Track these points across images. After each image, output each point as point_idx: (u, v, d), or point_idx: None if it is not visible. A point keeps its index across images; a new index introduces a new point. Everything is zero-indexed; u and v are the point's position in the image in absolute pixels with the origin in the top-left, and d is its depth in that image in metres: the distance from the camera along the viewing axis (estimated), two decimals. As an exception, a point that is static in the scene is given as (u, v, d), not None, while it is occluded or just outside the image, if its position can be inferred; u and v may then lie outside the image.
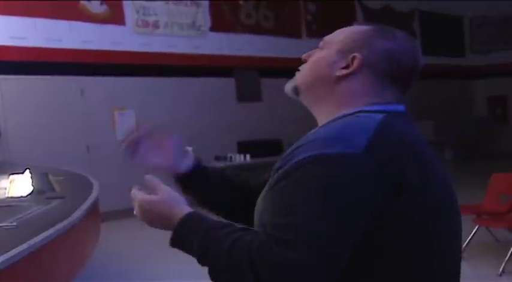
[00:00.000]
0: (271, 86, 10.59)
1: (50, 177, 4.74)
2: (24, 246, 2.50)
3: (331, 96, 1.30)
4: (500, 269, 5.00)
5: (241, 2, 11.36)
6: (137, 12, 9.90)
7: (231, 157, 10.17)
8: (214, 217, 1.30)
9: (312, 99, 1.35)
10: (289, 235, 1.07)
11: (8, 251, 2.39)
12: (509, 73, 15.39)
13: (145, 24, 10.01)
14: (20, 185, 4.31)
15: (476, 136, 15.25)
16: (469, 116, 16.22)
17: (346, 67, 1.29)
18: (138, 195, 1.33)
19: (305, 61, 1.39)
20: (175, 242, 1.23)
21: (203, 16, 10.74)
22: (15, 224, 2.98)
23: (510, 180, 5.80)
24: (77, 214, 3.34)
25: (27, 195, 4.09)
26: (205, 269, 1.18)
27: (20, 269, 2.46)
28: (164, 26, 10.22)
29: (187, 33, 10.53)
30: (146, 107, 9.80)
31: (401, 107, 1.30)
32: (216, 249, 1.14)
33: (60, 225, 2.98)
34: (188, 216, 1.24)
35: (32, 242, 2.58)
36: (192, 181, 1.62)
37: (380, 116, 1.21)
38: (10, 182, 4.42)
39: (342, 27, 1.39)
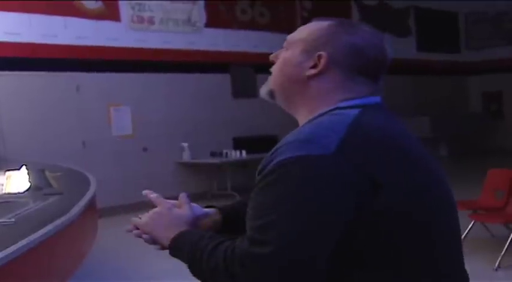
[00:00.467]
0: (267, 82, 10.56)
1: (47, 173, 4.72)
2: (23, 242, 2.49)
3: (305, 97, 1.29)
4: (496, 264, 5.03)
5: (237, -2, 11.34)
6: (132, 8, 9.87)
7: (226, 153, 10.17)
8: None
9: (287, 102, 1.35)
10: (263, 235, 1.09)
11: (7, 247, 2.38)
12: (504, 69, 15.43)
13: (141, 20, 9.98)
14: (17, 181, 4.30)
15: (472, 132, 15.28)
16: (464, 112, 16.26)
17: (314, 66, 1.28)
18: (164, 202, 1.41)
19: (273, 62, 1.37)
20: (172, 252, 1.30)
21: (198, 12, 10.72)
22: (13, 220, 2.97)
23: (506, 175, 5.81)
24: (75, 210, 3.34)
25: (24, 192, 4.08)
26: None
27: (18, 266, 2.46)
28: (159, 22, 10.20)
29: (183, 29, 10.50)
30: (142, 103, 9.79)
31: (376, 99, 1.29)
32: (200, 256, 1.18)
33: (58, 222, 2.97)
34: (184, 231, 1.31)
35: (31, 238, 2.57)
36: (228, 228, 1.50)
37: (355, 111, 1.20)
38: (7, 178, 4.40)
39: None
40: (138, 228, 1.40)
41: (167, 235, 1.31)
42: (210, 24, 10.84)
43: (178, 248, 1.27)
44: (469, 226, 5.49)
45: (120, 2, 9.70)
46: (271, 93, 1.36)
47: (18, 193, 4.06)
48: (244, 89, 11.00)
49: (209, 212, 1.49)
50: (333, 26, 1.31)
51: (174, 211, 1.39)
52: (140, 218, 1.42)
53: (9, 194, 4.08)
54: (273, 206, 1.11)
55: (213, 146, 10.38)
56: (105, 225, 5.70)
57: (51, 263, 3.03)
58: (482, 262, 5.13)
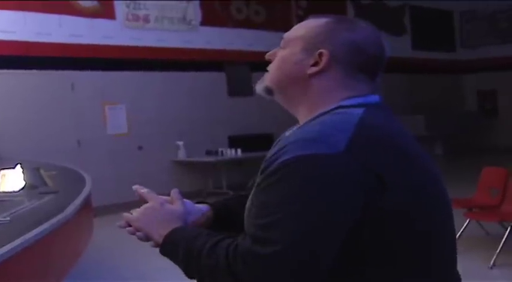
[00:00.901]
0: (263, 80, 10.56)
1: (42, 172, 4.72)
2: (18, 241, 2.48)
3: (306, 95, 1.29)
4: (491, 262, 5.04)
5: (232, -4, 11.33)
6: (127, 6, 9.85)
7: (222, 151, 10.16)
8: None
9: (287, 100, 1.34)
10: (267, 234, 1.08)
11: (2, 246, 2.37)
12: (499, 67, 15.46)
13: (136, 18, 9.96)
14: (12, 180, 4.28)
15: (467, 130, 15.32)
16: (459, 110, 16.29)
17: (315, 64, 1.27)
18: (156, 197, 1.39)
19: (269, 60, 1.36)
20: (164, 250, 1.27)
21: (194, 10, 10.70)
22: (8, 219, 2.96)
23: (500, 174, 5.83)
24: (71, 209, 3.33)
25: (19, 190, 4.06)
26: None
27: (14, 265, 2.45)
28: (155, 20, 10.18)
29: (178, 28, 10.49)
30: (137, 101, 9.78)
31: (376, 98, 1.29)
32: (198, 253, 1.16)
33: (53, 220, 2.96)
34: (178, 227, 1.29)
35: (26, 237, 2.56)
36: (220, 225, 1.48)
37: (359, 111, 1.20)
38: (1, 177, 4.38)
39: None
40: (130, 225, 1.37)
41: (159, 231, 1.29)
42: (205, 22, 10.83)
43: (172, 244, 1.25)
44: (464, 224, 5.50)
45: (115, 0, 9.67)
46: (269, 90, 1.35)
47: (13, 192, 4.04)
48: (240, 87, 10.99)
49: (201, 208, 1.46)
50: (332, 23, 1.30)
51: (167, 206, 1.36)
52: (132, 214, 1.39)
53: (4, 192, 4.07)
54: (278, 205, 1.10)
55: (208, 144, 10.38)
56: (100, 224, 5.69)
57: (47, 262, 3.03)
58: (477, 260, 5.14)
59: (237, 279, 1.10)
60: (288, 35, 1.36)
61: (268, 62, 1.37)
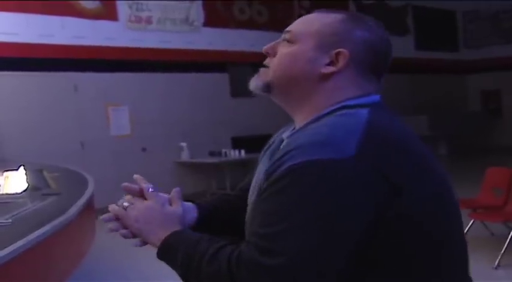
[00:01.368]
0: (265, 81, 10.55)
1: (45, 173, 4.71)
2: (20, 243, 2.47)
3: (313, 95, 1.22)
4: (496, 263, 5.02)
5: (234, -3, 11.33)
6: (130, 7, 9.85)
7: (225, 153, 10.15)
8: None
9: (289, 98, 1.26)
10: (272, 244, 1.02)
11: (3, 248, 2.36)
12: (502, 67, 15.43)
13: (139, 19, 9.96)
14: (15, 181, 4.28)
15: (471, 130, 15.29)
16: (463, 110, 16.26)
17: (331, 63, 1.20)
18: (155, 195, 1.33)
19: (268, 54, 1.29)
20: (161, 253, 1.22)
21: (196, 11, 10.71)
22: (10, 220, 2.95)
23: (505, 174, 5.80)
24: (73, 210, 3.32)
25: (22, 192, 4.06)
26: None
27: (16, 266, 2.44)
28: (157, 22, 10.18)
29: (181, 29, 10.49)
30: (140, 102, 9.78)
31: (377, 97, 1.23)
32: (199, 258, 1.11)
33: (56, 222, 2.95)
34: (178, 231, 1.23)
35: (28, 238, 2.55)
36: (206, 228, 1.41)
37: (364, 112, 1.14)
38: (5, 179, 4.39)
39: None
40: (117, 218, 1.30)
41: (159, 234, 1.23)
42: (208, 23, 10.83)
43: (172, 248, 1.19)
44: (469, 225, 5.48)
45: (117, 1, 9.68)
46: (269, 87, 1.27)
47: (16, 193, 4.04)
48: (243, 88, 10.77)
49: (191, 207, 1.40)
50: (348, 21, 1.24)
51: (167, 208, 1.30)
52: (124, 207, 1.31)
53: (7, 194, 4.07)
54: (283, 213, 1.04)
55: (211, 145, 10.37)
56: (103, 226, 5.68)
57: (49, 264, 3.02)
58: (482, 261, 5.11)
59: None
60: (296, 28, 1.27)
61: (266, 56, 1.30)
